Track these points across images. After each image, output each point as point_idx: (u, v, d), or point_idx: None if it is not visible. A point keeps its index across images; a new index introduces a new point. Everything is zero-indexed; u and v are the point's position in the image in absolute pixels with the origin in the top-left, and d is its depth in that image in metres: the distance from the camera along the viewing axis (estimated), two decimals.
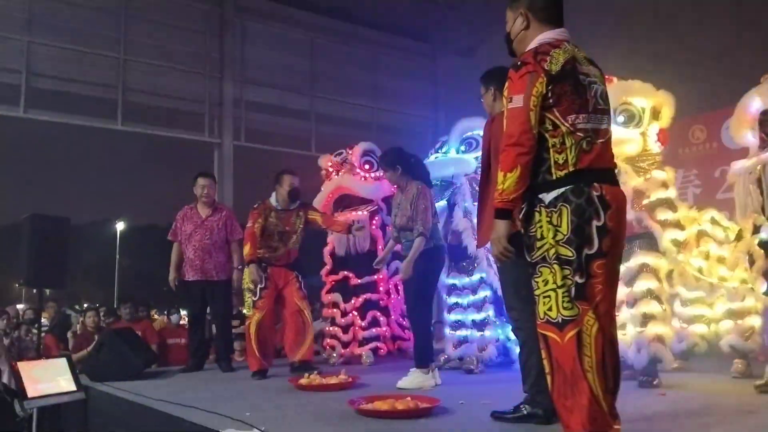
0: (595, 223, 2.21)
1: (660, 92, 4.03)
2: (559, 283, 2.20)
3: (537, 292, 2.26)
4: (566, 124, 2.26)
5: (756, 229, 3.77)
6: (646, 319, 3.82)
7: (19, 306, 12.61)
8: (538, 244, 2.26)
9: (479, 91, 3.40)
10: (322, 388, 3.99)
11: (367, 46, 12.23)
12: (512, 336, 4.65)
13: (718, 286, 4.14)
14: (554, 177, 2.27)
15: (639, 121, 3.98)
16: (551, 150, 2.27)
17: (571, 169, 2.25)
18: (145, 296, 13.76)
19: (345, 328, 5.65)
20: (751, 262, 3.84)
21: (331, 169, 5.87)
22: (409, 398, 3.20)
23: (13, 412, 4.33)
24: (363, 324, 5.63)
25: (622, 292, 3.63)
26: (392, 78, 12.38)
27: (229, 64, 10.78)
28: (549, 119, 2.27)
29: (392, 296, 5.86)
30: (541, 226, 2.26)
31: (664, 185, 3.99)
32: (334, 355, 5.64)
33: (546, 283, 2.23)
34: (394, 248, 4.60)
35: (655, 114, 3.99)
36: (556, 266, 2.21)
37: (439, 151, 5.07)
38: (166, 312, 9.64)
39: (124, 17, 9.93)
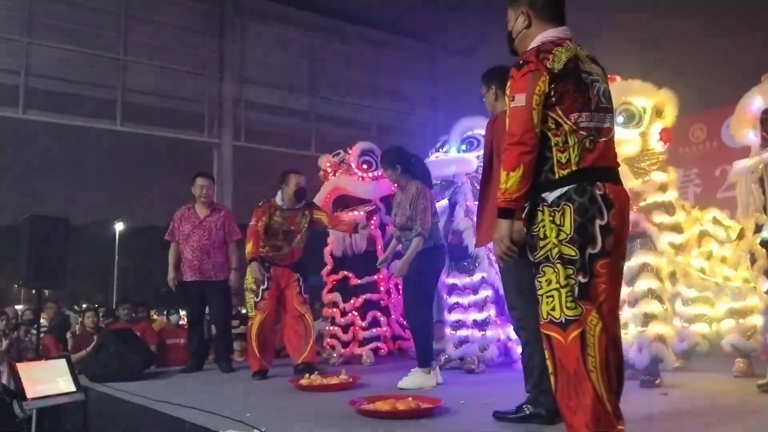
0: (598, 222, 2.20)
1: (662, 91, 4.01)
2: (563, 282, 2.18)
3: (540, 292, 2.25)
4: (569, 122, 2.25)
5: (758, 228, 3.76)
6: (647, 318, 3.81)
7: (18, 307, 12.61)
8: (541, 243, 2.25)
9: (479, 91, 3.39)
10: (323, 389, 3.98)
11: (366, 46, 12.24)
12: (513, 335, 4.65)
13: (723, 286, 4.12)
14: (557, 176, 2.25)
15: (639, 120, 3.96)
16: (554, 149, 2.26)
17: (574, 168, 2.24)
18: (144, 297, 13.76)
19: (345, 328, 5.64)
20: (753, 261, 3.84)
21: (329, 170, 5.86)
22: (410, 398, 3.18)
23: (13, 414, 4.31)
24: (363, 324, 5.62)
25: (623, 291, 3.61)
26: (392, 78, 12.38)
27: (228, 64, 10.78)
28: (552, 118, 2.26)
29: (393, 296, 5.85)
30: (543, 226, 2.25)
31: (662, 188, 3.96)
32: (335, 355, 5.63)
33: (549, 282, 2.22)
34: (396, 248, 4.58)
35: (658, 113, 3.97)
36: (559, 266, 2.20)
37: (440, 150, 5.05)
38: (165, 312, 9.63)
39: (123, 18, 9.93)
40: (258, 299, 4.83)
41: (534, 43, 2.36)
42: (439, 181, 4.78)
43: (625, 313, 3.82)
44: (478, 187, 3.35)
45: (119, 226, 33.71)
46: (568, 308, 2.17)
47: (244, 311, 7.80)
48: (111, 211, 36.35)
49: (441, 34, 12.26)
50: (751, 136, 3.90)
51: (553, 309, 2.20)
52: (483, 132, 4.62)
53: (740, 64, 6.29)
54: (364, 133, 10.59)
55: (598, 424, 2.13)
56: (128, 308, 7.19)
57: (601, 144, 2.29)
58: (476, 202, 4.08)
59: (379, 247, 5.76)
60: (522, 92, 2.25)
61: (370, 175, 5.77)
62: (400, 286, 5.55)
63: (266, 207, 4.90)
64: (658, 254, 3.88)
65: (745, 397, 3.37)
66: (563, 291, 2.18)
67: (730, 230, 4.31)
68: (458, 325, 4.91)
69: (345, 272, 5.69)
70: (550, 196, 2.25)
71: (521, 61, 2.31)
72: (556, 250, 2.21)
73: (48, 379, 4.23)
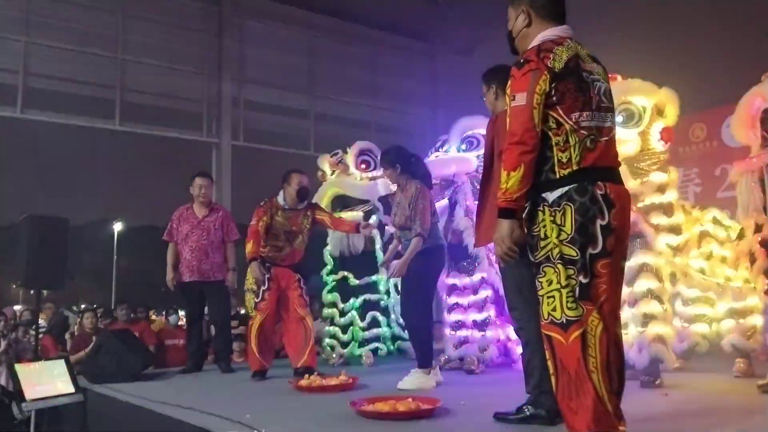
0: (599, 222, 2.19)
1: (663, 90, 4.00)
2: (563, 283, 2.17)
3: (541, 293, 2.24)
4: (570, 122, 2.24)
5: (758, 228, 3.75)
6: (646, 319, 3.80)
7: (17, 307, 12.57)
8: (542, 243, 2.24)
9: (479, 90, 3.38)
10: (323, 390, 3.97)
11: (366, 45, 12.23)
12: (513, 336, 4.64)
13: (725, 286, 4.12)
14: (558, 176, 2.24)
15: (638, 120, 3.95)
16: (555, 148, 2.25)
17: (574, 167, 2.23)
18: (144, 297, 13.75)
19: (344, 328, 5.63)
20: (752, 261, 3.83)
21: (327, 170, 5.84)
22: (410, 399, 3.17)
23: (11, 415, 4.31)
24: (362, 325, 5.60)
25: (623, 291, 3.61)
26: (391, 77, 12.38)
27: (227, 63, 10.76)
28: (552, 117, 2.25)
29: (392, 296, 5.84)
30: (544, 226, 2.24)
31: (661, 189, 3.95)
32: (334, 355, 5.62)
33: (550, 283, 2.21)
34: (397, 248, 4.57)
35: (659, 112, 3.96)
36: (560, 266, 2.19)
37: (440, 149, 5.04)
38: (164, 313, 9.62)
39: (121, 17, 9.92)
40: (258, 299, 4.79)
41: (534, 42, 2.35)
42: (438, 181, 4.78)
43: (625, 314, 3.81)
44: (478, 187, 3.34)
45: (118, 226, 33.67)
46: (569, 309, 2.16)
47: (243, 312, 7.80)
48: (110, 211, 36.32)
49: (440, 33, 12.26)
50: (752, 136, 3.90)
51: (554, 309, 2.19)
52: (483, 131, 4.63)
53: (740, 64, 6.29)
54: (363, 132, 10.55)
55: (600, 425, 2.12)
56: (126, 309, 7.18)
57: (602, 143, 2.28)
58: (476, 202, 4.08)
59: (378, 246, 5.75)
60: (523, 91, 2.24)
61: (368, 175, 5.76)
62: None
63: (268, 206, 4.84)
64: (658, 254, 3.88)
65: (745, 397, 3.36)
66: (564, 291, 2.17)
67: (730, 230, 4.30)
68: (458, 325, 4.90)
69: (344, 272, 5.68)
70: (551, 195, 2.24)
71: (522, 60, 2.29)
72: (556, 250, 2.20)
73: (47, 380, 4.22)
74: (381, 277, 5.70)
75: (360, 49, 12.20)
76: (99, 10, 9.80)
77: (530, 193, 2.26)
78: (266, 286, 4.77)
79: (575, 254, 2.18)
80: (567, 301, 2.16)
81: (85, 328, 6.89)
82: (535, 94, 2.22)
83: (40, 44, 9.27)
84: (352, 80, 12.04)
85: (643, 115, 3.96)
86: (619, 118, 3.84)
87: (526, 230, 2.33)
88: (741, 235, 4.03)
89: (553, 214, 2.22)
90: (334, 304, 5.70)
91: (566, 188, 2.22)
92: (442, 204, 4.82)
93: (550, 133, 2.25)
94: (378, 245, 5.76)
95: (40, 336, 6.39)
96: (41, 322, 7.05)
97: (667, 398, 3.40)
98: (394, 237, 4.54)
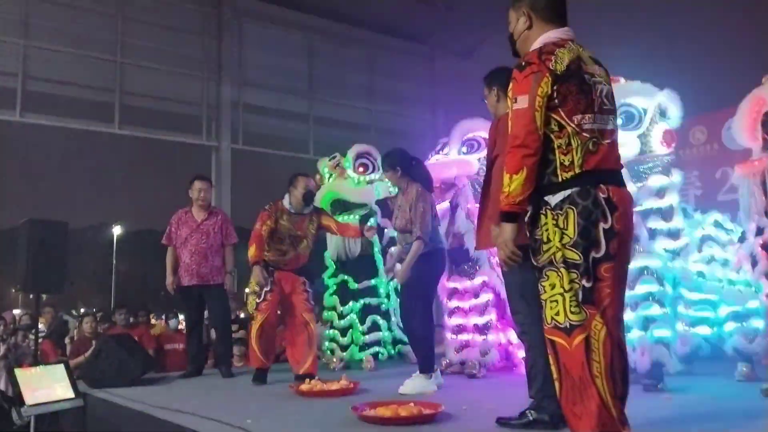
0: (602, 225, 2.18)
1: (664, 92, 4.00)
2: (567, 287, 2.16)
3: (544, 297, 2.22)
4: (572, 124, 2.22)
5: (759, 231, 3.74)
6: (648, 322, 3.79)
7: (16, 311, 12.54)
8: (545, 247, 2.22)
9: (479, 92, 3.37)
10: (324, 395, 3.95)
11: (365, 48, 12.23)
12: (514, 339, 4.63)
13: (728, 289, 4.11)
14: (560, 179, 2.23)
15: (638, 122, 3.94)
16: (557, 151, 2.24)
17: (577, 170, 2.21)
18: (143, 301, 13.74)
19: (343, 331, 5.61)
20: (754, 264, 3.82)
21: (325, 173, 5.83)
22: (412, 404, 3.15)
23: (11, 420, 4.28)
24: (363, 329, 5.59)
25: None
26: (391, 80, 12.36)
27: (226, 66, 10.74)
28: (554, 120, 2.23)
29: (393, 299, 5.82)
30: (547, 229, 2.22)
31: (659, 193, 3.94)
32: (334, 359, 5.60)
33: (553, 287, 2.19)
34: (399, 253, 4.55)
35: (662, 114, 3.95)
36: (563, 270, 2.17)
37: (440, 152, 5.03)
38: (164, 317, 9.60)
39: (121, 20, 9.90)
40: (260, 300, 4.74)
41: (536, 45, 2.34)
42: (439, 184, 4.76)
43: (626, 317, 3.80)
44: (480, 190, 3.33)
45: (117, 230, 33.65)
46: (572, 313, 2.14)
47: (242, 315, 7.78)
48: (109, 215, 36.31)
49: (440, 36, 12.25)
50: (753, 139, 3.88)
51: (557, 314, 2.17)
52: (483, 134, 4.63)
53: (741, 67, 6.28)
54: (362, 135, 10.52)
55: (604, 430, 2.10)
56: (125, 313, 7.16)
57: (604, 146, 2.26)
58: (477, 205, 4.07)
59: (377, 250, 5.74)
60: (524, 94, 2.23)
61: (366, 178, 5.74)
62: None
63: (272, 210, 4.78)
64: (652, 257, 3.86)
65: (750, 401, 3.34)
66: (567, 295, 2.16)
67: (731, 233, 4.29)
68: (459, 329, 4.89)
69: (344, 276, 5.67)
70: (553, 199, 2.23)
71: (523, 63, 2.28)
72: (559, 254, 2.18)
73: (46, 385, 4.20)
74: (381, 281, 5.69)
75: (359, 51, 12.20)
76: (98, 13, 9.79)
77: (532, 196, 2.25)
78: (269, 288, 4.71)
79: (578, 258, 2.16)
80: (570, 306, 2.15)
81: (85, 332, 6.87)
82: (537, 96, 2.20)
83: (40, 47, 9.25)
84: (351, 83, 12.04)
85: (644, 118, 3.95)
86: (618, 121, 3.83)
87: (528, 234, 2.32)
88: (743, 238, 4.03)
89: (556, 217, 2.21)
90: (333, 308, 5.69)
91: (569, 191, 2.21)
92: (443, 207, 4.81)
93: (552, 136, 2.24)
94: (377, 248, 5.75)
95: (40, 340, 6.36)
96: (41, 326, 7.03)
97: (671, 402, 3.38)
98: (397, 241, 4.51)
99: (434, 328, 4.27)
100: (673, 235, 3.95)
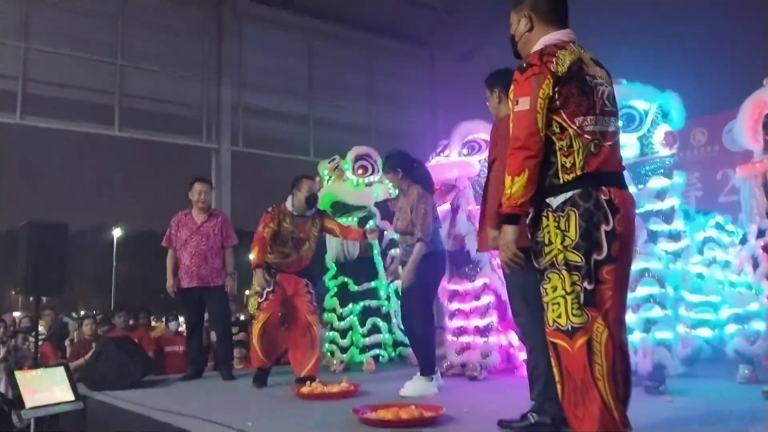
0: (603, 227, 2.17)
1: (666, 93, 4.00)
2: (568, 289, 2.15)
3: (546, 299, 2.22)
4: (573, 126, 2.22)
5: (761, 233, 3.74)
6: (649, 324, 3.78)
7: (16, 314, 12.54)
8: (546, 249, 2.22)
9: (479, 94, 3.37)
10: (325, 397, 3.94)
11: (365, 51, 12.22)
12: (516, 342, 4.62)
13: (730, 291, 4.10)
14: (562, 181, 2.22)
15: (639, 124, 3.94)
16: (558, 153, 2.24)
17: (578, 172, 2.21)
18: (143, 303, 13.72)
19: (343, 333, 5.60)
20: (755, 266, 3.81)
21: (325, 176, 5.82)
22: (413, 406, 3.15)
23: (11, 423, 4.27)
24: (363, 331, 5.58)
25: None
26: (391, 82, 12.36)
27: (226, 68, 10.74)
28: (556, 122, 2.23)
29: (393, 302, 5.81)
30: (548, 231, 2.22)
31: (660, 195, 3.93)
32: (334, 361, 5.59)
33: (555, 289, 2.19)
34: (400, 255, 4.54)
35: (664, 116, 3.95)
36: (564, 272, 2.17)
37: (440, 154, 5.03)
38: (164, 319, 9.58)
39: (121, 23, 9.89)
40: (261, 300, 4.70)
41: (537, 46, 2.34)
42: (440, 186, 4.75)
43: (628, 319, 3.79)
44: (481, 192, 3.33)
45: (117, 232, 33.63)
46: (574, 315, 2.14)
47: (242, 317, 7.78)
48: (109, 217, 36.28)
49: (440, 37, 12.26)
50: (755, 140, 3.88)
51: (559, 316, 2.17)
52: (484, 136, 4.63)
53: (741, 69, 6.29)
54: (362, 137, 10.50)
55: None
56: (124, 316, 7.14)
57: (606, 148, 2.26)
58: (478, 207, 4.07)
59: (376, 252, 5.73)
60: (526, 96, 2.23)
61: (366, 180, 5.74)
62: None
63: (275, 213, 4.74)
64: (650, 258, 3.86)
65: (752, 404, 3.33)
66: (569, 298, 2.15)
67: (733, 235, 4.29)
68: (460, 331, 4.88)
69: (344, 278, 5.66)
70: (555, 201, 2.23)
71: (524, 65, 2.28)
72: (561, 256, 2.18)
73: (46, 388, 4.19)
74: (381, 283, 5.69)
75: (359, 53, 12.20)
76: (98, 16, 9.78)
77: (534, 198, 2.25)
78: (271, 289, 4.69)
79: (580, 260, 2.16)
80: (572, 308, 2.14)
81: (85, 334, 6.86)
82: (539, 98, 2.20)
83: (40, 50, 9.25)
84: (351, 85, 12.03)
85: (645, 119, 3.95)
86: (619, 122, 3.83)
87: (530, 236, 2.31)
88: (744, 240, 4.03)
89: (557, 219, 2.21)
90: (333, 309, 5.68)
91: (570, 193, 2.20)
92: (443, 209, 4.80)
93: (553, 138, 2.24)
94: (376, 250, 5.74)
95: (40, 343, 6.35)
96: (41, 328, 7.03)
97: (672, 404, 3.37)
98: (399, 243, 4.50)
99: (435, 329, 4.26)
100: (674, 237, 3.95)
